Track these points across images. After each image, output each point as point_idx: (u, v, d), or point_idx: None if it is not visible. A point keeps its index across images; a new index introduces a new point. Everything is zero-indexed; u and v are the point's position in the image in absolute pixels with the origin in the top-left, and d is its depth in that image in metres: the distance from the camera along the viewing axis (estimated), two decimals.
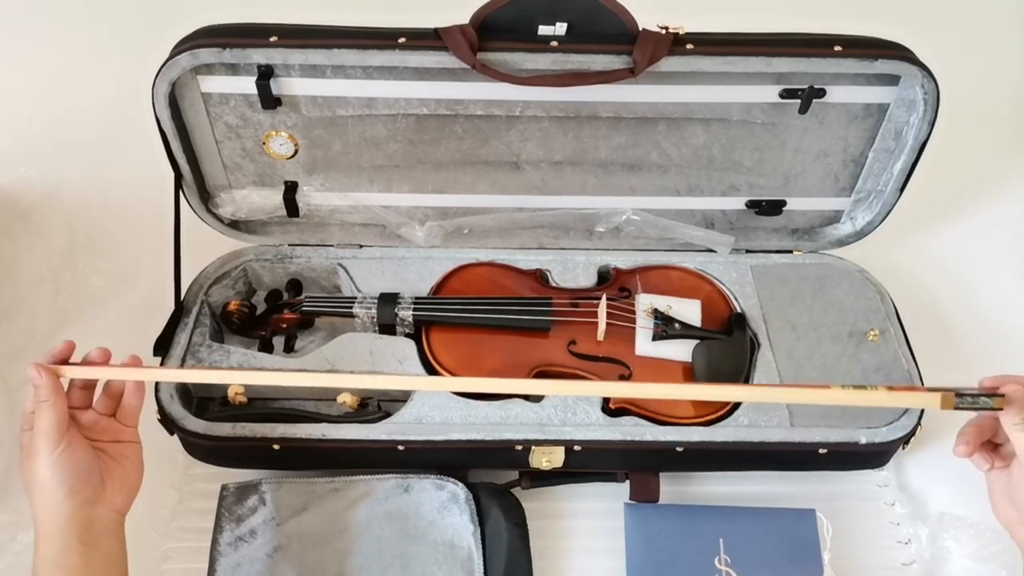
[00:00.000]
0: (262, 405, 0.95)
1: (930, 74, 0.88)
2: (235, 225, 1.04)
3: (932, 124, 0.92)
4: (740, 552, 0.86)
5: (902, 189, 1.00)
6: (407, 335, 0.98)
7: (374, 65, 0.87)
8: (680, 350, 0.96)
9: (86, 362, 0.76)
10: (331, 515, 0.87)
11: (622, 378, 0.93)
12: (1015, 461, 0.70)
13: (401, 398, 0.95)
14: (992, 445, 0.73)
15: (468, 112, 0.93)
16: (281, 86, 0.90)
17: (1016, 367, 1.06)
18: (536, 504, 0.91)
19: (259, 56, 0.86)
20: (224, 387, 0.94)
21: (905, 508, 0.93)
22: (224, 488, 0.89)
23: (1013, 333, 1.11)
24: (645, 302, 0.99)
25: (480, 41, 0.85)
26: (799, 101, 0.92)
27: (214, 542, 0.85)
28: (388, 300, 0.97)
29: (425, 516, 0.87)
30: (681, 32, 0.86)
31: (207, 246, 1.03)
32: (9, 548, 0.87)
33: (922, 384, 0.94)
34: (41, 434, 0.70)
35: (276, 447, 0.87)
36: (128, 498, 0.75)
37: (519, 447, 0.88)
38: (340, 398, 0.94)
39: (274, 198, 1.01)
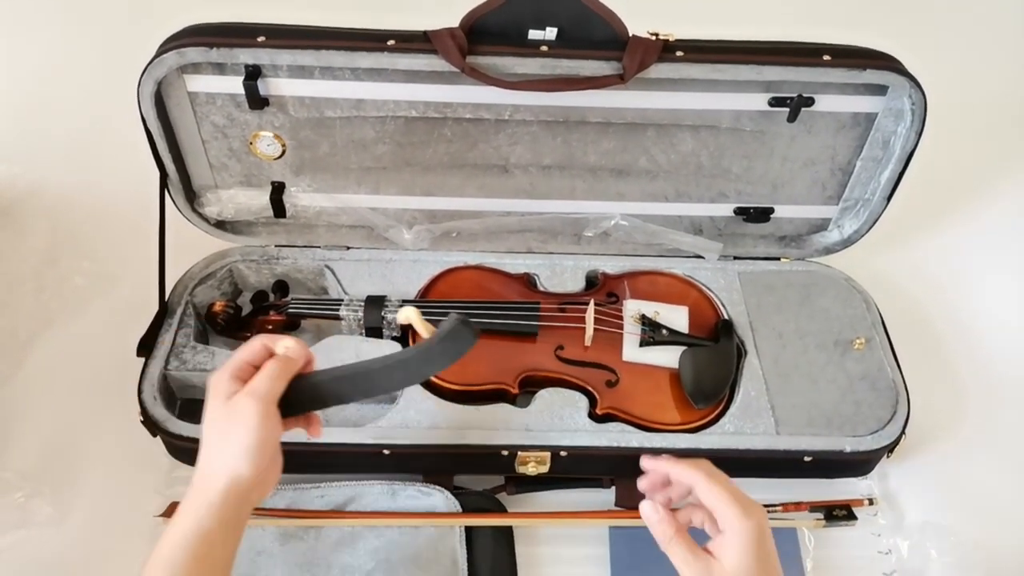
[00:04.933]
0: None
1: (918, 84, 0.89)
2: (221, 225, 1.03)
3: (919, 134, 0.93)
4: None
5: (889, 198, 1.00)
6: (394, 338, 0.97)
7: (363, 67, 0.87)
8: (667, 356, 0.95)
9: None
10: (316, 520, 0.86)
11: (608, 384, 0.93)
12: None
13: (387, 401, 0.95)
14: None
15: (457, 115, 0.93)
16: (269, 86, 0.89)
17: (1000, 375, 1.08)
18: (521, 510, 0.91)
19: (246, 56, 0.86)
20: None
21: (887, 518, 0.93)
22: None
23: (998, 342, 1.11)
24: (633, 308, 0.99)
25: (470, 44, 0.84)
26: (788, 109, 0.93)
27: None
28: (375, 302, 0.97)
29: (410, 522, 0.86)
30: (671, 39, 0.86)
31: (192, 246, 1.02)
32: None
33: (907, 394, 0.94)
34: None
35: None
36: (266, 493, 0.67)
37: (505, 452, 0.87)
38: None
39: (261, 199, 1.01)
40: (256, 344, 0.68)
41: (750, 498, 0.64)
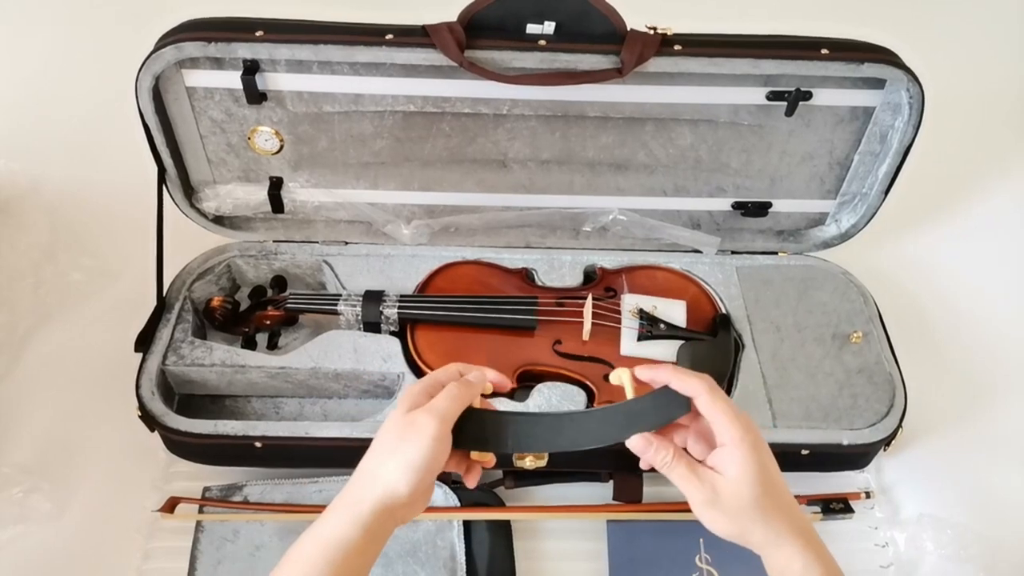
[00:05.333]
0: None
1: (915, 78, 0.89)
2: (219, 220, 1.03)
3: (917, 128, 0.93)
4: (720, 550, 0.87)
5: (887, 192, 1.01)
6: (392, 333, 0.97)
7: (361, 61, 0.87)
8: (665, 351, 0.96)
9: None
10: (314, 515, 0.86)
11: (606, 378, 0.93)
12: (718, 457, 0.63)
13: (384, 396, 0.95)
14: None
15: (455, 110, 0.93)
16: (267, 81, 0.89)
17: (996, 368, 1.08)
18: (519, 504, 0.91)
19: (245, 51, 0.86)
20: (208, 385, 0.93)
21: (884, 511, 0.93)
22: (207, 490, 0.88)
23: (994, 336, 1.12)
24: (631, 302, 1.00)
25: (468, 39, 0.84)
26: (786, 103, 0.93)
27: (195, 541, 0.85)
28: (373, 298, 0.97)
29: None
30: (669, 33, 0.86)
31: (190, 241, 1.02)
32: None
33: (904, 387, 0.94)
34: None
35: (258, 445, 0.86)
36: (412, 516, 0.65)
37: None
38: None
39: (259, 194, 1.01)
40: (452, 367, 0.68)
41: (746, 413, 0.64)
